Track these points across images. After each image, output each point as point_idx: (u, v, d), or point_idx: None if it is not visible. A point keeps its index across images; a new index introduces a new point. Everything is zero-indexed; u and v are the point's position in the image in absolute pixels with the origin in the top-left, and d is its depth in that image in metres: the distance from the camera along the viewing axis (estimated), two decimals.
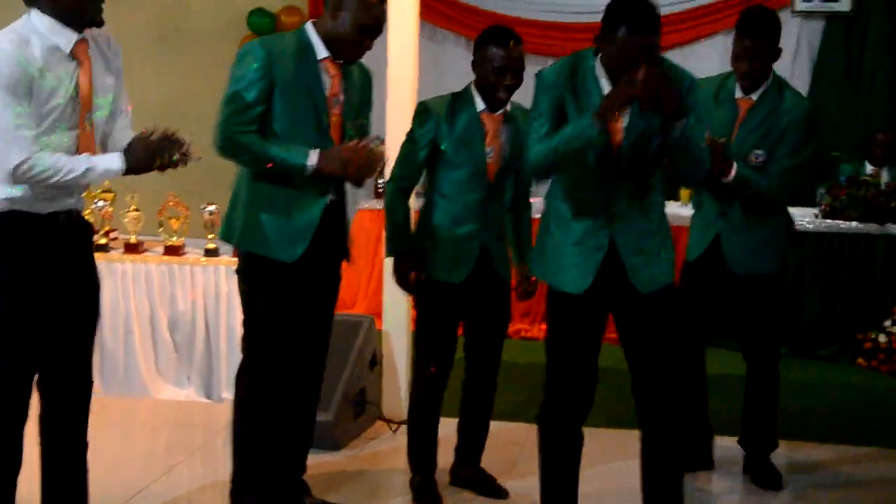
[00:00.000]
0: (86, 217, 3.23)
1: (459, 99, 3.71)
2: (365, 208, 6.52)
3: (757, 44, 3.83)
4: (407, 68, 4.61)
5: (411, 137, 3.73)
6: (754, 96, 3.92)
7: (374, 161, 3.37)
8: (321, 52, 3.39)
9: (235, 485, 3.57)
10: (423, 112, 3.71)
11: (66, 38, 2.92)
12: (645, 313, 3.12)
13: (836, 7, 7.24)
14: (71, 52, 2.94)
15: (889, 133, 6.78)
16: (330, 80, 3.41)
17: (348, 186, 3.56)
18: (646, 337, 3.14)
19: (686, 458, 4.00)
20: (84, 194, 3.21)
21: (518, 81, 3.67)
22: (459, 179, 3.69)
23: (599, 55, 3.05)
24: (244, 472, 3.56)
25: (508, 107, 3.72)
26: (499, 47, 3.62)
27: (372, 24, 3.36)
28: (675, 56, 7.61)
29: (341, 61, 3.43)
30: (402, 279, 3.78)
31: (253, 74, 3.30)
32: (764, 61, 3.86)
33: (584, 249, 3.09)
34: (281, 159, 3.31)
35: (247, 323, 3.50)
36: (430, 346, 3.78)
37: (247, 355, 3.50)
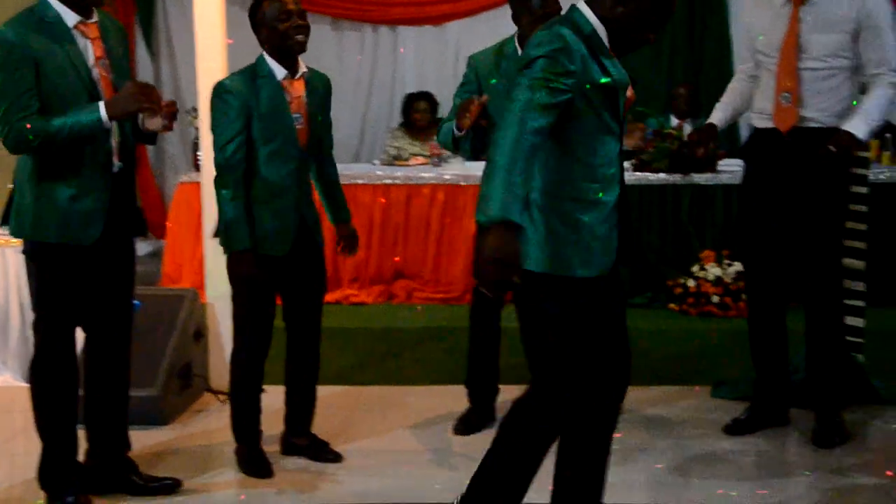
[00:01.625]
0: None
1: (257, 72, 3.66)
2: (185, 181, 6.41)
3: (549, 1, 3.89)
4: (215, 37, 4.57)
5: (226, 122, 3.61)
6: None
7: (151, 91, 3.27)
8: (70, 18, 3.28)
9: (43, 470, 3.50)
10: (226, 92, 3.62)
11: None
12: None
13: None
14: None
15: (690, 86, 7.11)
16: (90, 43, 3.32)
17: (150, 150, 3.52)
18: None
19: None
20: None
21: (307, 23, 3.66)
22: (272, 152, 3.65)
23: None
24: (52, 457, 3.49)
25: (305, 69, 3.72)
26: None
27: None
28: (487, 20, 7.78)
29: (95, 20, 3.33)
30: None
31: (15, 61, 3.17)
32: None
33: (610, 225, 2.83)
34: (72, 125, 3.20)
35: (40, 308, 3.40)
36: (249, 317, 3.76)
37: (42, 340, 3.40)
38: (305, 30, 3.65)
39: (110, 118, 3.23)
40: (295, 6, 3.63)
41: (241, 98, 3.61)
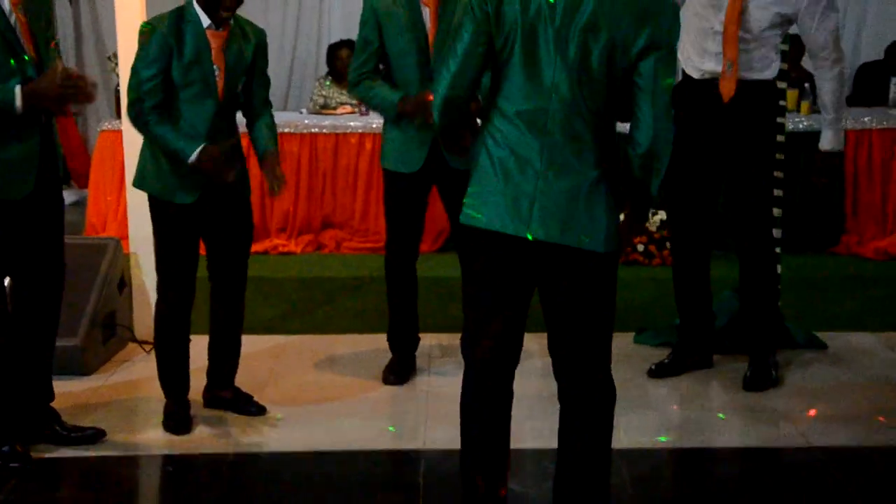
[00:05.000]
0: None
1: (183, 16, 3.59)
2: (108, 129, 6.29)
3: None
4: None
5: (146, 58, 3.55)
6: None
7: (84, 85, 3.25)
8: None
9: None
10: (151, 32, 3.56)
11: None
12: None
13: None
14: None
15: None
16: None
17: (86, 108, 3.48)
18: None
19: None
20: None
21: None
22: (189, 97, 3.59)
23: None
24: None
25: (232, 23, 3.65)
26: None
27: None
28: None
29: None
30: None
31: None
32: None
33: None
34: None
35: None
36: (171, 267, 3.71)
37: None
38: (235, 6, 3.59)
39: (25, 105, 3.18)
40: None
41: (163, 39, 3.54)
